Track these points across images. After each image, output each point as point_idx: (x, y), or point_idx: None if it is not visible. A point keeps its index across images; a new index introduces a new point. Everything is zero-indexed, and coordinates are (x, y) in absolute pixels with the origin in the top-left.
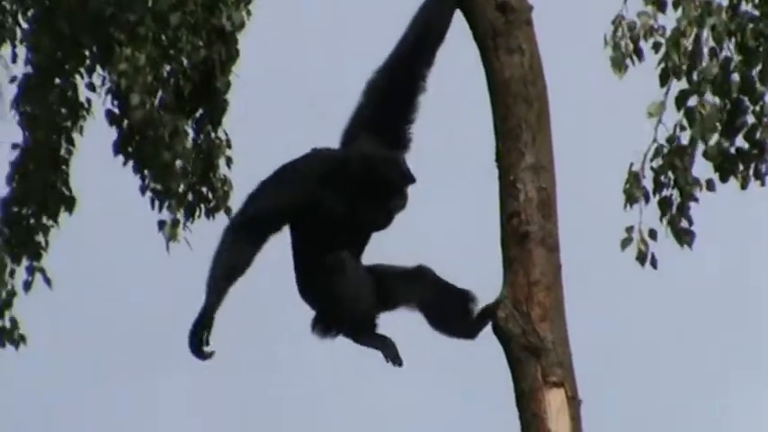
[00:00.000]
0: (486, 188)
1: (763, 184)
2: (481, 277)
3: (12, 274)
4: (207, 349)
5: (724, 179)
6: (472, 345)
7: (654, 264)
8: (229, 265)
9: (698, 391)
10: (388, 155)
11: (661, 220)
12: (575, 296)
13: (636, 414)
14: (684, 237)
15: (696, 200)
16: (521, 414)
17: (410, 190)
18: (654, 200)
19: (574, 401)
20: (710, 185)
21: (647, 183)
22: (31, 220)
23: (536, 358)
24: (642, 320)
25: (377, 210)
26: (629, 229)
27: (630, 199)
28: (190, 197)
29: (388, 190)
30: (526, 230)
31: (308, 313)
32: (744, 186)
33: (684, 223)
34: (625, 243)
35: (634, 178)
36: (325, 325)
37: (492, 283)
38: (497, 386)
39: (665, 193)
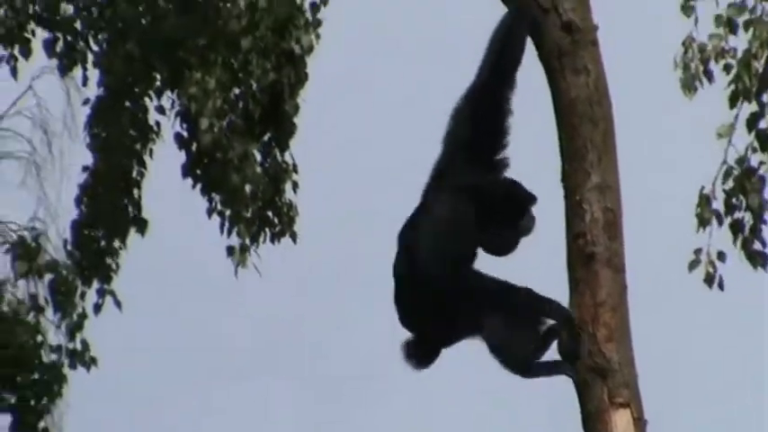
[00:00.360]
0: (553, 208)
1: None
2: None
3: (82, 296)
4: None
5: None
6: None
7: (721, 286)
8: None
9: (765, 416)
10: (511, 179)
11: (734, 242)
12: (640, 317)
13: None
14: (758, 259)
15: (765, 222)
16: None
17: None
18: (726, 222)
19: (640, 422)
20: None
21: (719, 205)
22: (102, 243)
23: (602, 379)
24: (708, 342)
25: (505, 236)
26: (698, 251)
27: (702, 222)
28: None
29: (516, 214)
30: (592, 251)
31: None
32: None
33: (757, 245)
34: (693, 265)
35: (705, 201)
36: (424, 354)
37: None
38: (564, 407)
39: (737, 215)
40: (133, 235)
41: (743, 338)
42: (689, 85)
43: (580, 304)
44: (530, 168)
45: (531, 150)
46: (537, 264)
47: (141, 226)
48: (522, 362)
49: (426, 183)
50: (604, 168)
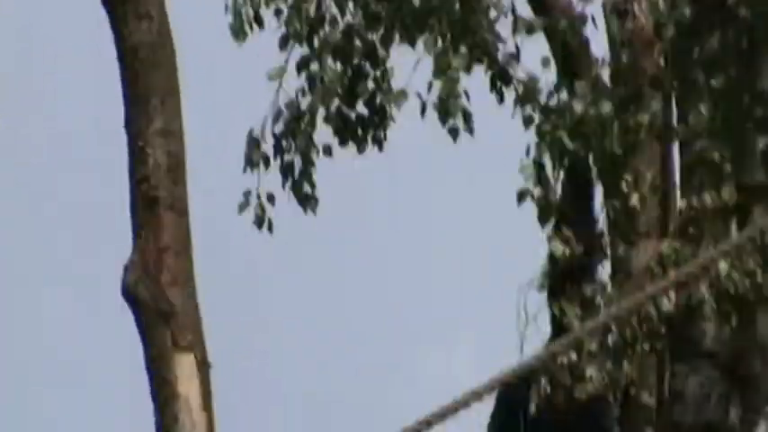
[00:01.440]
0: (119, 154)
1: (380, 149)
2: (112, 243)
3: None
4: None
5: (343, 143)
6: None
7: (270, 228)
8: None
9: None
10: None
11: (283, 185)
12: (205, 261)
13: (269, 378)
14: (307, 202)
15: (313, 164)
16: (151, 378)
17: None
18: (276, 164)
19: (204, 366)
20: (328, 150)
21: (269, 148)
22: None
23: (166, 323)
24: (272, 285)
25: None
26: (247, 194)
27: (251, 164)
28: None
29: None
30: (155, 195)
31: None
32: (361, 151)
33: (307, 188)
34: (242, 207)
35: (255, 143)
36: None
37: (123, 248)
38: (132, 350)
39: (288, 158)
40: None
41: (299, 279)
42: (238, 32)
43: (144, 249)
44: (94, 114)
45: (97, 97)
46: (102, 208)
47: None
48: None
49: None
50: (167, 113)
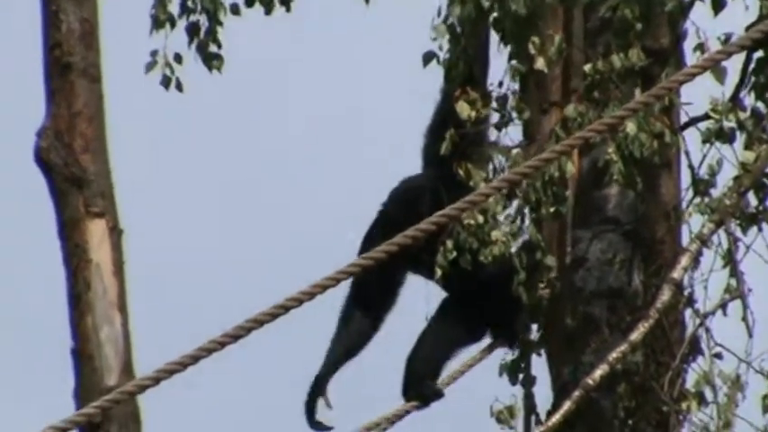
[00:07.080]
0: (31, 19)
1: (288, 10)
2: (25, 108)
3: None
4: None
5: (250, 4)
6: None
7: (179, 87)
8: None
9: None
10: None
11: (189, 45)
12: (118, 126)
13: (179, 245)
14: (214, 62)
15: (221, 24)
16: (63, 244)
17: None
18: (181, 24)
19: (115, 231)
20: (235, 9)
21: (174, 8)
22: None
23: (79, 189)
24: (177, 145)
25: None
26: (154, 53)
27: (157, 24)
28: None
29: None
30: (68, 61)
31: None
32: (268, 12)
33: (213, 48)
34: (150, 67)
35: (161, 3)
36: None
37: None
38: (39, 216)
39: (193, 18)
40: None
41: (207, 140)
42: None
43: (57, 115)
44: None
45: None
46: (14, 75)
47: None
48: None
49: None
50: None
